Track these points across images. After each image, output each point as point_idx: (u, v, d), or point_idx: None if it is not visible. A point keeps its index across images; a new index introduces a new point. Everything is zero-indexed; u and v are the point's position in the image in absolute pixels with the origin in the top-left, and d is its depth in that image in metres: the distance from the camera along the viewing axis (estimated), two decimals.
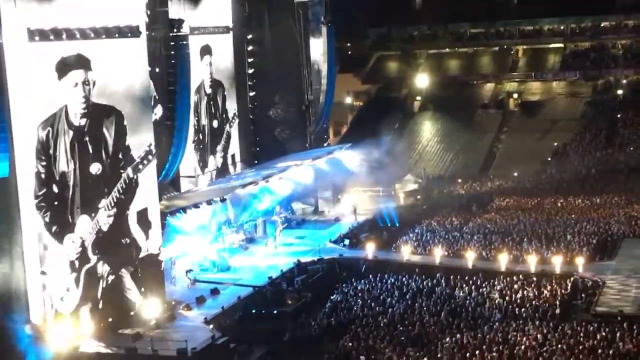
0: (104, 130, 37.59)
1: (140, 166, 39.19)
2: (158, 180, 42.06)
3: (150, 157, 39.66)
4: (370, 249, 48.32)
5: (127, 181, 38.60)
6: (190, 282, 43.93)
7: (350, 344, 35.02)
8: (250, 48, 58.89)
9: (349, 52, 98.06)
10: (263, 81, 59.63)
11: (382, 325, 37.31)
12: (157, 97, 46.54)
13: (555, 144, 78.45)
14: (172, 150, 46.07)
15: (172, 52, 45.64)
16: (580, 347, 33.22)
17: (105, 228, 37.69)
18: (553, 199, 61.60)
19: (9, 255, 34.73)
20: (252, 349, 36.51)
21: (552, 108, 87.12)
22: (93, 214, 37.26)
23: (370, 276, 44.50)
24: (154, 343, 34.66)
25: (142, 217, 39.63)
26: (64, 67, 35.63)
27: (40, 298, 35.04)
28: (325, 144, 66.28)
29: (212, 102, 55.13)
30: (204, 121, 54.45)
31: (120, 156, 38.29)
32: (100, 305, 37.28)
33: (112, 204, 38.02)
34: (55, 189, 35.58)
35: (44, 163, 35.15)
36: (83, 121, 36.55)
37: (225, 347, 35.50)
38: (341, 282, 44.50)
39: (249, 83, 59.25)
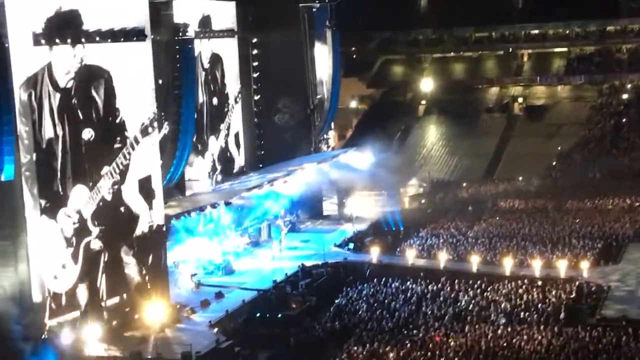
0: (93, 92, 36.70)
1: (150, 129, 38.72)
2: (163, 184, 42.08)
3: (156, 123, 39.21)
4: (374, 253, 48.29)
5: (134, 147, 38.05)
6: (194, 286, 43.95)
7: (355, 348, 34.97)
8: (255, 52, 58.94)
9: (354, 56, 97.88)
10: (268, 85, 59.67)
11: (386, 329, 37.27)
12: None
13: (560, 148, 78.28)
14: (177, 154, 46.19)
15: (177, 56, 45.75)
16: (585, 351, 33.15)
17: (109, 197, 37.09)
18: (558, 203, 61.44)
19: (14, 258, 34.76)
20: (257, 353, 36.45)
21: (557, 112, 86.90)
22: (91, 183, 36.57)
23: (375, 280, 44.45)
24: (159, 347, 34.68)
25: (145, 185, 39.11)
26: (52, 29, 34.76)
27: (43, 299, 35.04)
28: (329, 148, 66.31)
29: (210, 77, 53.96)
30: (202, 98, 52.95)
31: (115, 120, 37.59)
32: (99, 283, 36.90)
33: (116, 171, 37.38)
34: (41, 157, 34.68)
35: (27, 128, 34.19)
36: (70, 83, 35.73)
37: (230, 351, 35.51)
38: (346, 286, 44.45)
39: (254, 87, 59.29)
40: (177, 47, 46.09)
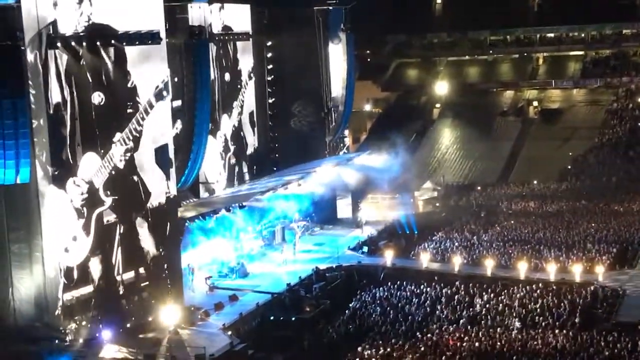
0: (103, 53, 36.07)
1: (165, 92, 38.29)
2: (177, 186, 42.13)
3: (169, 88, 38.84)
4: (388, 257, 48.23)
5: (148, 112, 37.57)
6: (209, 289, 43.98)
7: (369, 352, 34.91)
8: (269, 55, 58.99)
9: (369, 60, 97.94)
10: (282, 88, 59.69)
11: (400, 333, 37.19)
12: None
13: (575, 152, 77.99)
14: (191, 157, 46.20)
15: (192, 59, 45.81)
16: (600, 356, 33.01)
17: (121, 165, 36.62)
18: (573, 207, 61.22)
19: (29, 260, 34.96)
20: (271, 356, 36.46)
21: (573, 116, 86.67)
22: (102, 151, 36.12)
23: (389, 283, 44.35)
24: (173, 349, 34.72)
25: (161, 155, 38.71)
26: (72, 8, 34.59)
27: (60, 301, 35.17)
28: (344, 151, 66.29)
29: (221, 52, 53.09)
30: (213, 74, 51.32)
31: (126, 84, 37.16)
32: (114, 256, 36.73)
33: (129, 138, 36.94)
34: (49, 123, 34.28)
35: (34, 91, 33.85)
36: (79, 45, 35.31)
37: (244, 354, 35.53)
38: (359, 289, 44.39)
39: (268, 90, 59.34)
40: (191, 49, 46.11)
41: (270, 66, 59.22)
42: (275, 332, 39.00)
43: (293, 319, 40.48)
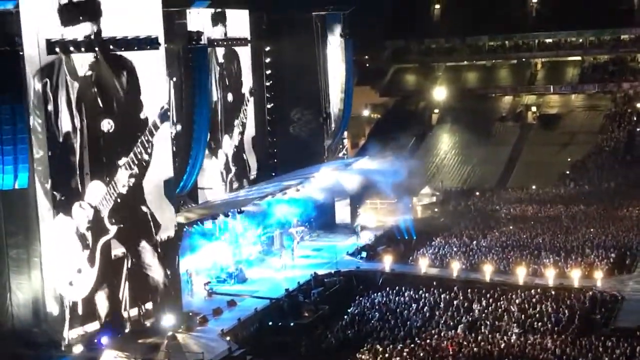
0: (115, 81, 36.40)
1: (168, 112, 38.55)
2: (176, 192, 42.13)
3: (168, 113, 39.08)
4: (387, 262, 48.24)
5: (153, 133, 37.68)
6: (207, 294, 43.95)
7: (367, 357, 34.88)
8: (268, 60, 59.02)
9: (367, 65, 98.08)
10: (281, 93, 59.69)
11: (399, 338, 37.16)
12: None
13: (574, 157, 78.05)
14: (190, 162, 46.20)
15: (191, 64, 45.83)
16: None
17: (124, 190, 36.69)
18: (572, 213, 61.24)
19: (27, 266, 34.95)
20: None
21: (571, 121, 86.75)
22: (108, 178, 36.22)
23: (388, 289, 44.33)
24: (171, 354, 34.68)
25: (170, 186, 38.93)
26: (71, 14, 34.69)
27: (58, 307, 35.13)
28: (342, 156, 66.27)
29: (224, 73, 53.28)
30: (216, 95, 52.00)
31: (134, 111, 37.33)
32: (122, 291, 36.80)
33: (134, 162, 36.97)
34: (57, 152, 34.41)
35: (40, 121, 33.93)
36: (90, 72, 35.47)
37: (242, 359, 35.45)
38: (358, 294, 44.38)
39: (267, 95, 59.34)
40: (190, 55, 46.14)
41: (269, 71, 59.22)
42: (274, 337, 38.96)
43: (291, 324, 40.47)
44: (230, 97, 53.90)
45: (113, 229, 36.43)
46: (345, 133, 68.45)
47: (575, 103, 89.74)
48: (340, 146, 66.85)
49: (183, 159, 45.79)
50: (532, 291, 42.42)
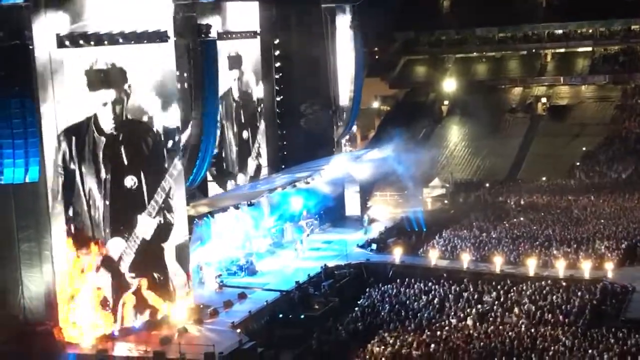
0: (140, 139, 37.44)
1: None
2: (186, 185, 42.23)
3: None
4: (397, 254, 48.25)
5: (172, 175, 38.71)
6: (218, 287, 44.05)
7: (377, 349, 34.94)
8: (277, 53, 58.96)
9: (377, 57, 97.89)
10: (290, 86, 59.62)
11: (409, 330, 37.21)
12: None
13: (585, 148, 77.85)
14: (200, 156, 46.16)
15: (200, 57, 45.80)
16: (610, 353, 32.96)
17: (148, 237, 37.45)
18: (582, 204, 61.13)
19: (39, 259, 35.09)
20: (279, 354, 36.52)
21: (581, 112, 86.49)
22: (127, 234, 36.97)
23: (398, 281, 44.39)
24: (182, 347, 34.79)
25: (183, 252, 39.83)
26: (95, 80, 35.67)
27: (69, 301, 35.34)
28: (352, 148, 66.25)
29: (241, 111, 54.32)
30: (231, 132, 53.26)
31: (157, 167, 38.26)
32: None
33: (155, 210, 37.76)
34: (79, 209, 35.22)
35: (62, 179, 34.80)
36: (116, 130, 36.46)
37: (253, 352, 35.52)
38: (368, 287, 44.44)
39: (276, 87, 59.30)
40: (199, 48, 46.13)
41: (278, 64, 59.16)
42: (284, 330, 39.02)
43: (302, 316, 40.54)
44: (245, 134, 54.67)
45: (135, 282, 37.17)
46: (355, 125, 68.41)
47: (585, 94, 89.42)
48: (350, 138, 66.80)
49: (193, 153, 45.80)
50: (543, 282, 42.40)
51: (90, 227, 35.69)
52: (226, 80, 51.77)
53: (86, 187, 35.43)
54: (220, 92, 49.91)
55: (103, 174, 35.82)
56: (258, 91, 55.84)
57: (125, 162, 36.77)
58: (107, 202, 36.07)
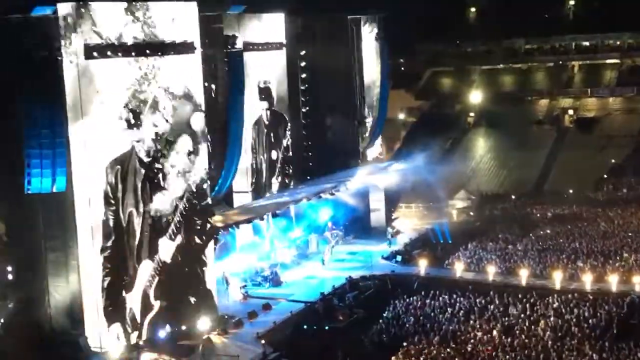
0: (169, 165, 38.09)
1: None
2: (211, 195, 42.38)
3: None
4: (422, 266, 48.09)
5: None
6: (242, 297, 44.10)
7: None
8: (303, 64, 59.10)
9: (402, 68, 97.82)
10: (316, 97, 59.74)
11: (434, 342, 37.02)
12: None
13: (612, 160, 77.29)
14: (225, 166, 46.30)
15: (227, 68, 46.02)
16: None
17: (168, 259, 37.87)
18: (609, 216, 60.64)
19: (65, 268, 35.31)
20: None
21: (608, 124, 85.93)
22: (155, 256, 37.50)
23: (423, 293, 44.18)
24: (207, 357, 34.84)
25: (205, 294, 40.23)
26: (134, 119, 36.37)
27: (95, 312, 35.50)
28: (378, 160, 66.17)
29: (272, 134, 54.93)
30: (263, 155, 54.03)
31: (182, 190, 38.82)
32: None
33: (174, 232, 38.18)
34: (120, 238, 35.79)
35: (113, 208, 35.40)
36: (151, 157, 37.12)
37: None
38: (393, 298, 44.24)
39: (302, 99, 59.42)
40: (225, 59, 46.35)
41: (304, 75, 59.30)
42: (309, 341, 38.95)
43: (326, 328, 40.46)
44: (274, 154, 55.30)
45: (157, 305, 37.49)
46: (381, 137, 68.38)
47: (612, 106, 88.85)
48: (376, 150, 66.75)
49: (218, 163, 45.96)
50: (569, 295, 42.06)
51: (128, 256, 36.34)
52: (257, 110, 52.98)
53: (126, 215, 36.05)
54: (252, 121, 50.94)
55: (140, 205, 36.64)
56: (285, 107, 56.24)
57: (159, 189, 37.62)
58: (147, 230, 36.84)
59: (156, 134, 37.23)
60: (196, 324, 38.41)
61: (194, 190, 39.42)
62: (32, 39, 33.87)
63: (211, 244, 40.84)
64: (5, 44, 33.96)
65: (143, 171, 36.54)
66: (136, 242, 36.47)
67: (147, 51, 37.01)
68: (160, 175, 37.54)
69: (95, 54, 34.91)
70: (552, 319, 39.16)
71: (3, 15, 33.84)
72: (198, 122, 39.93)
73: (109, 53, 35.42)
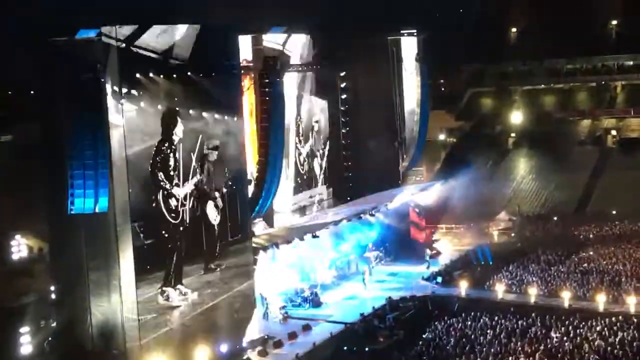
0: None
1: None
2: (251, 215, 42.56)
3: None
4: (463, 287, 47.75)
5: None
6: (282, 318, 44.10)
7: None
8: (343, 85, 59.24)
9: (442, 89, 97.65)
10: (356, 118, 59.84)
11: None
12: None
13: None
14: (265, 186, 46.52)
15: (267, 89, 46.31)
16: None
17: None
18: None
19: (107, 288, 35.55)
20: None
21: None
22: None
23: (463, 314, 43.86)
24: None
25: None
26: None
27: (137, 332, 35.71)
28: (418, 181, 66.02)
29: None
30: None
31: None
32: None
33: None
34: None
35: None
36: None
37: None
38: (433, 320, 43.98)
39: (342, 120, 59.55)
40: (266, 80, 46.63)
41: (344, 96, 59.43)
42: None
43: (366, 349, 40.27)
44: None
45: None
46: (421, 158, 68.24)
47: None
48: (416, 171, 66.62)
49: (259, 183, 46.16)
50: (613, 318, 41.45)
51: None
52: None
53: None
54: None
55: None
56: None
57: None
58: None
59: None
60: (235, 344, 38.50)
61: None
62: (77, 61, 34.34)
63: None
64: (51, 66, 34.60)
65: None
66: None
67: (189, 72, 37.36)
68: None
69: (137, 75, 35.27)
70: (595, 342, 38.61)
71: (50, 37, 34.41)
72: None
73: (150, 75, 35.77)
